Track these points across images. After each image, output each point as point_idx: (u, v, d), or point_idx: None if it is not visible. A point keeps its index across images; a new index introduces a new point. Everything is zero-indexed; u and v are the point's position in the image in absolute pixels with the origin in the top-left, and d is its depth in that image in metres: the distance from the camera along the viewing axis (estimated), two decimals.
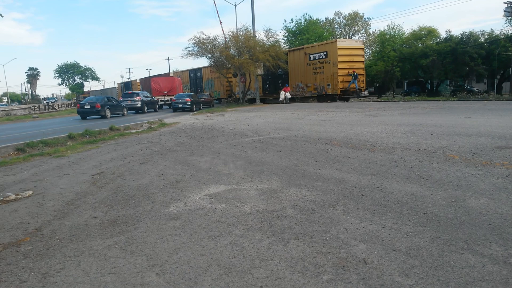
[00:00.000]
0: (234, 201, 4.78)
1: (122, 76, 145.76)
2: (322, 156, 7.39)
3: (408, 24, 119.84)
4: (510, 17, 33.73)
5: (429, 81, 44.39)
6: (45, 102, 72.20)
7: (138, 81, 56.58)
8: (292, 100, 32.79)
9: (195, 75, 49.49)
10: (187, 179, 6.10)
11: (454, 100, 24.80)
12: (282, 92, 32.03)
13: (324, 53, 29.90)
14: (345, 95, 29.68)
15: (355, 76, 28.66)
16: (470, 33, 38.07)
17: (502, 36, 36.82)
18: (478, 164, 5.91)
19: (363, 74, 30.98)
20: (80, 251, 3.49)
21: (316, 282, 2.73)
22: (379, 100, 32.39)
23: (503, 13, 34.16)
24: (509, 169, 5.48)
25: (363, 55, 31.75)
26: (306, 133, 10.82)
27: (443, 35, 42.03)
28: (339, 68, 28.69)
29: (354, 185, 5.19)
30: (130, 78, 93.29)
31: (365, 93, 30.63)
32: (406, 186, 4.99)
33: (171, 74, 53.11)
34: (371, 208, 4.23)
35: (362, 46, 32.06)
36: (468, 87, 40.62)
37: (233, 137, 11.09)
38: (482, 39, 38.45)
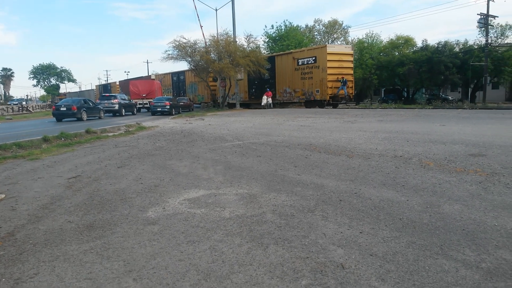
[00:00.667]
0: (214, 206, 4.76)
1: (99, 78, 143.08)
2: (301, 161, 7.45)
3: (386, 33, 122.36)
4: (483, 28, 34.80)
5: (405, 89, 45.43)
6: (13, 103, 67.12)
7: (118, 83, 55.72)
8: (275, 105, 32.79)
9: (178, 78, 48.89)
10: (166, 184, 6.04)
11: (429, 108, 25.43)
12: (264, 97, 31.91)
13: (313, 58, 29.65)
14: (334, 101, 29.55)
15: (344, 82, 28.47)
16: (446, 43, 39.27)
17: (476, 47, 38.08)
18: (452, 171, 6.06)
19: (352, 80, 30.78)
20: (54, 256, 3.41)
21: (294, 287, 2.74)
22: (357, 107, 32.74)
23: (477, 24, 35.28)
24: (482, 176, 5.65)
25: (352, 61, 31.49)
26: (285, 139, 10.88)
27: (419, 44, 43.17)
28: (328, 74, 28.44)
29: (332, 191, 5.25)
30: (107, 80, 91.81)
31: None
32: (383, 192, 5.08)
33: (152, 77, 52.30)
34: (349, 213, 4.28)
35: (351, 52, 31.66)
36: (443, 95, 41.73)
37: (213, 141, 11.05)
38: (457, 49, 39.71)
